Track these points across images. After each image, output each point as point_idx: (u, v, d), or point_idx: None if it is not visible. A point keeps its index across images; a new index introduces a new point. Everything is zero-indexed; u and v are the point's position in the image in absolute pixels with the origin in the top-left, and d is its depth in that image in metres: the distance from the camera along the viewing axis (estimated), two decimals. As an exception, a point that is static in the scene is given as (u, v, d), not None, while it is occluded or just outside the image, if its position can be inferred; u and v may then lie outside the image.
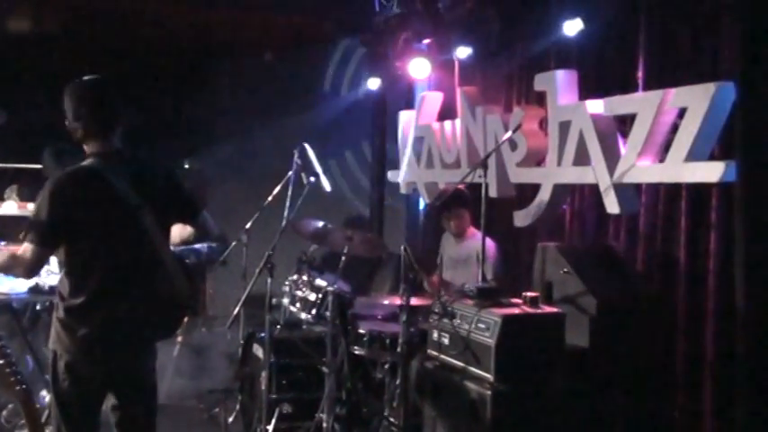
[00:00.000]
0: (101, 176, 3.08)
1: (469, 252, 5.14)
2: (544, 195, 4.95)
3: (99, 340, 3.08)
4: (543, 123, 5.11)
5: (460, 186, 5.05)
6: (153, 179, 3.25)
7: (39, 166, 6.17)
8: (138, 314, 3.15)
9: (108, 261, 3.08)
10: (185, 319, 3.63)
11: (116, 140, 3.21)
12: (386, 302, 4.81)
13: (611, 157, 4.35)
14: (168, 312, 3.32)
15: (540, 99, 5.09)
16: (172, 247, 3.42)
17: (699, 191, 4.06)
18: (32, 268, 3.08)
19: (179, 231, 3.49)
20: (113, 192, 3.07)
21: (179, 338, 6.09)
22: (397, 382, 4.27)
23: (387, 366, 4.61)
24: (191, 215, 3.47)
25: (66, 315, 3.09)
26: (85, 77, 3.22)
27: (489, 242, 4.90)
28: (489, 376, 3.63)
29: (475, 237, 5.17)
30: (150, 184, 3.22)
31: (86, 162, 3.16)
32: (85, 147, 3.20)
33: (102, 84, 3.23)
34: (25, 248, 3.02)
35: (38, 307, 5.28)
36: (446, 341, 3.97)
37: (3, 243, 4.75)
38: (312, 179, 4.70)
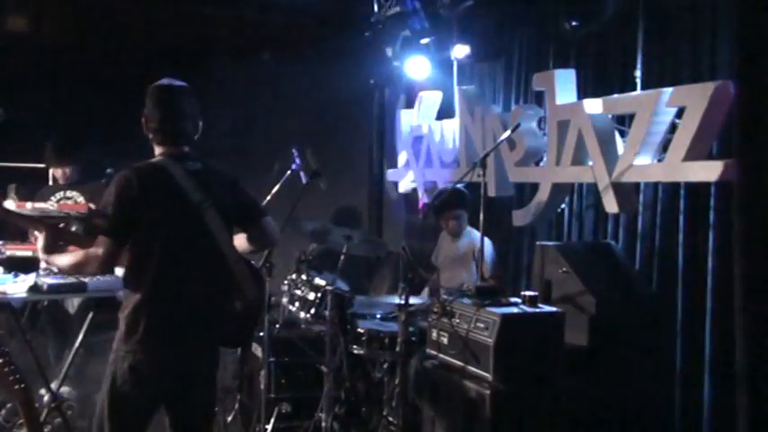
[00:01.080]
0: (165, 172, 3.10)
1: (465, 250, 5.14)
2: (543, 195, 4.95)
3: (159, 341, 3.04)
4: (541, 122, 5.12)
5: (459, 186, 5.05)
6: (217, 180, 3.25)
7: (38, 166, 6.18)
8: (199, 315, 3.12)
9: (168, 256, 3.06)
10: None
11: (186, 145, 3.23)
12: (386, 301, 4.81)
13: (610, 157, 4.36)
14: (235, 317, 3.27)
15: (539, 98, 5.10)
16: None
17: (697, 190, 4.07)
18: (107, 264, 3.04)
19: (243, 240, 3.39)
20: (177, 187, 3.09)
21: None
22: (396, 381, 4.27)
23: (386, 366, 4.61)
24: (252, 219, 3.36)
25: (127, 313, 3.06)
26: (164, 81, 3.24)
27: (486, 240, 4.91)
28: (488, 375, 3.63)
29: (470, 235, 5.17)
30: (214, 184, 3.21)
31: (153, 159, 3.19)
32: (156, 147, 3.23)
33: (177, 89, 3.23)
34: (97, 245, 3.00)
35: (37, 306, 5.28)
36: (445, 340, 3.97)
37: (1, 242, 4.76)
38: (311, 178, 4.70)
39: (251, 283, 3.30)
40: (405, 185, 7.04)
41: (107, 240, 3.00)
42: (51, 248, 3.17)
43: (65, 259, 3.15)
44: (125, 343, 3.06)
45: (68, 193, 5.43)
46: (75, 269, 3.32)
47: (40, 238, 3.19)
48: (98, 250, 3.00)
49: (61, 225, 3.80)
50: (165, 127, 3.19)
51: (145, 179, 3.06)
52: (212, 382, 3.32)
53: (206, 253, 3.16)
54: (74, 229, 4.31)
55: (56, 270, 4.41)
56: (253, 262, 3.47)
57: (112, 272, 3.36)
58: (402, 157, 7.01)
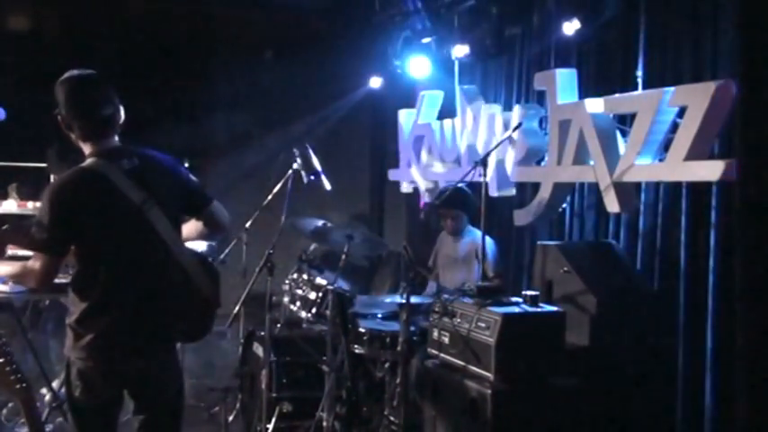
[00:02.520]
0: (100, 176, 2.97)
1: (468, 250, 5.13)
2: (544, 194, 4.95)
3: (107, 345, 2.99)
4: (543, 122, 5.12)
5: (463, 186, 5.03)
6: (157, 174, 3.10)
7: (39, 165, 6.18)
8: (150, 315, 3.05)
9: (114, 262, 2.98)
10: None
11: (115, 137, 3.08)
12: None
13: (611, 156, 4.35)
14: (190, 312, 3.21)
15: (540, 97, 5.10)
16: (192, 245, 3.30)
17: (699, 190, 4.06)
18: (44, 279, 2.94)
19: (194, 227, 3.30)
20: (115, 190, 2.97)
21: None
22: (398, 380, 4.27)
23: (387, 365, 4.61)
24: (197, 208, 3.24)
25: (75, 320, 3.00)
26: (73, 73, 3.05)
27: (488, 239, 4.91)
28: (489, 375, 3.63)
29: (472, 234, 5.16)
30: (154, 179, 3.07)
31: (85, 163, 3.03)
32: (84, 147, 3.08)
33: (90, 79, 3.07)
34: (34, 259, 2.92)
35: (39, 305, 5.29)
36: (446, 340, 3.97)
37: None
38: (312, 178, 4.70)
39: (205, 279, 3.22)
40: (406, 185, 7.04)
41: (43, 255, 2.91)
42: None
43: (5, 269, 3.10)
44: (72, 349, 3.00)
45: None
46: (16, 281, 3.28)
47: None
48: (36, 264, 2.91)
49: (5, 226, 3.73)
50: (90, 117, 3.01)
51: (80, 187, 2.94)
52: (170, 383, 3.22)
53: (153, 254, 3.06)
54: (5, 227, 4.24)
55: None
56: (209, 256, 3.38)
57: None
58: (403, 157, 7.01)
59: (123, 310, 3.00)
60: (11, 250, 4.73)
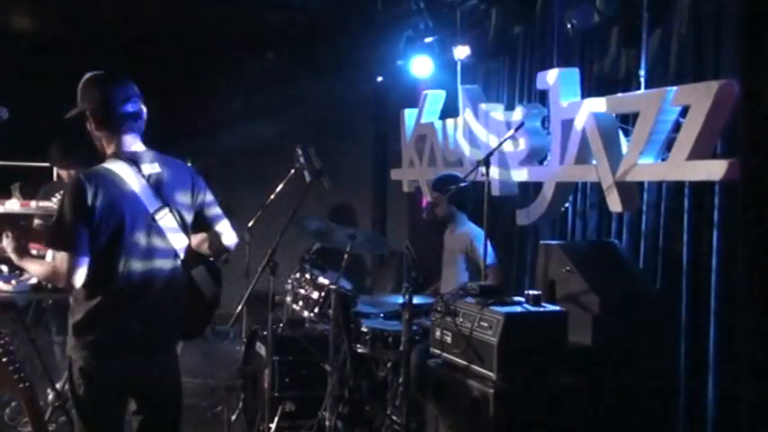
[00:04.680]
0: (120, 178, 2.99)
1: (458, 245, 5.11)
2: (546, 194, 4.95)
3: (109, 345, 3.01)
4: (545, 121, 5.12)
5: (453, 173, 5.03)
6: (175, 183, 3.14)
7: (41, 164, 6.18)
8: (154, 318, 3.08)
9: (125, 264, 3.00)
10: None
11: (139, 139, 3.11)
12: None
13: (614, 156, 4.35)
14: (191, 314, 3.25)
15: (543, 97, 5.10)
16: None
17: (701, 189, 4.06)
18: (70, 277, 2.90)
19: (201, 241, 3.33)
20: (132, 193, 3.00)
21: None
22: (400, 380, 4.27)
23: (389, 365, 4.61)
24: (206, 225, 3.28)
25: (80, 320, 3.01)
26: (97, 73, 3.09)
27: (480, 233, 4.92)
28: (492, 374, 3.62)
29: (464, 229, 5.13)
30: (172, 188, 3.12)
31: (106, 162, 3.06)
32: (107, 147, 3.11)
33: (120, 77, 3.08)
34: (61, 260, 2.91)
35: (42, 305, 5.30)
36: (449, 339, 3.97)
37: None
38: (314, 177, 4.69)
39: (209, 284, 3.29)
40: (408, 185, 7.04)
41: (67, 255, 2.90)
42: (19, 249, 3.09)
43: (34, 268, 3.09)
44: (75, 348, 3.02)
45: None
46: (45, 281, 3.28)
47: (4, 239, 3.10)
48: (62, 264, 2.90)
49: (22, 222, 3.73)
50: (117, 114, 3.02)
51: (99, 188, 2.94)
52: (170, 383, 3.26)
53: (163, 260, 3.09)
54: (36, 224, 4.23)
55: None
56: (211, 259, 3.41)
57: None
58: (406, 156, 7.01)
59: (129, 311, 3.02)
60: (34, 249, 4.74)
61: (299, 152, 4.68)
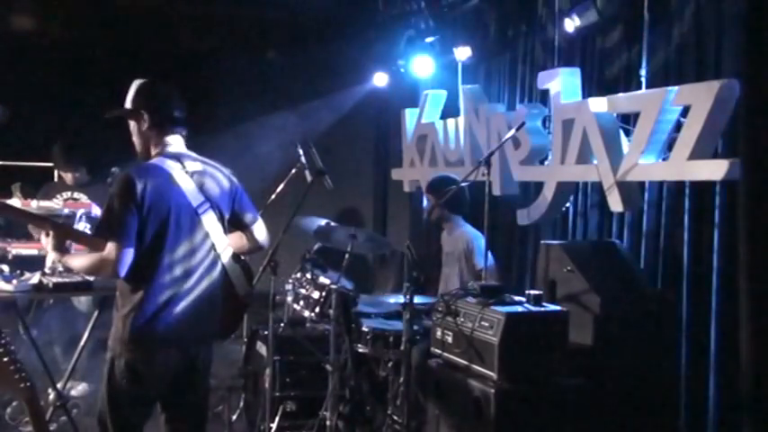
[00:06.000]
0: (167, 174, 3.13)
1: (454, 248, 5.10)
2: (547, 193, 4.95)
3: (157, 339, 3.10)
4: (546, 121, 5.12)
5: (449, 175, 5.03)
6: (216, 182, 3.30)
7: (43, 164, 6.19)
8: (197, 312, 3.18)
9: (171, 258, 3.11)
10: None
11: (182, 142, 3.28)
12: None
13: (615, 156, 4.35)
14: (226, 312, 3.36)
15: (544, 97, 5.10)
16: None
17: (702, 189, 4.06)
18: (118, 266, 3.00)
19: (236, 240, 3.46)
20: (178, 190, 3.13)
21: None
22: (401, 380, 4.27)
23: (390, 364, 4.61)
24: (242, 225, 3.44)
25: (126, 313, 3.09)
26: (154, 80, 3.30)
27: (476, 235, 4.92)
28: (493, 374, 3.63)
29: (461, 231, 5.12)
30: (213, 186, 3.27)
31: (153, 160, 3.21)
32: (152, 147, 3.25)
33: (168, 85, 3.30)
34: (109, 249, 2.99)
35: (43, 305, 5.30)
36: (449, 339, 3.97)
37: (9, 240, 4.76)
38: (315, 177, 4.69)
39: (242, 281, 3.43)
40: (409, 185, 7.04)
41: (116, 244, 2.99)
42: (60, 248, 3.16)
43: (78, 261, 3.15)
44: (121, 341, 3.09)
45: (75, 195, 5.45)
46: (90, 272, 3.42)
47: (44, 238, 3.17)
48: (111, 254, 2.99)
49: (61, 222, 3.79)
50: (167, 117, 3.24)
51: (148, 182, 3.07)
52: (206, 381, 3.40)
53: (203, 255, 3.23)
54: (79, 227, 4.30)
55: (61, 269, 4.43)
56: (243, 258, 3.53)
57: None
58: (406, 156, 7.01)
59: (175, 305, 3.13)
60: (14, 249, 4.74)
61: (300, 150, 4.68)
